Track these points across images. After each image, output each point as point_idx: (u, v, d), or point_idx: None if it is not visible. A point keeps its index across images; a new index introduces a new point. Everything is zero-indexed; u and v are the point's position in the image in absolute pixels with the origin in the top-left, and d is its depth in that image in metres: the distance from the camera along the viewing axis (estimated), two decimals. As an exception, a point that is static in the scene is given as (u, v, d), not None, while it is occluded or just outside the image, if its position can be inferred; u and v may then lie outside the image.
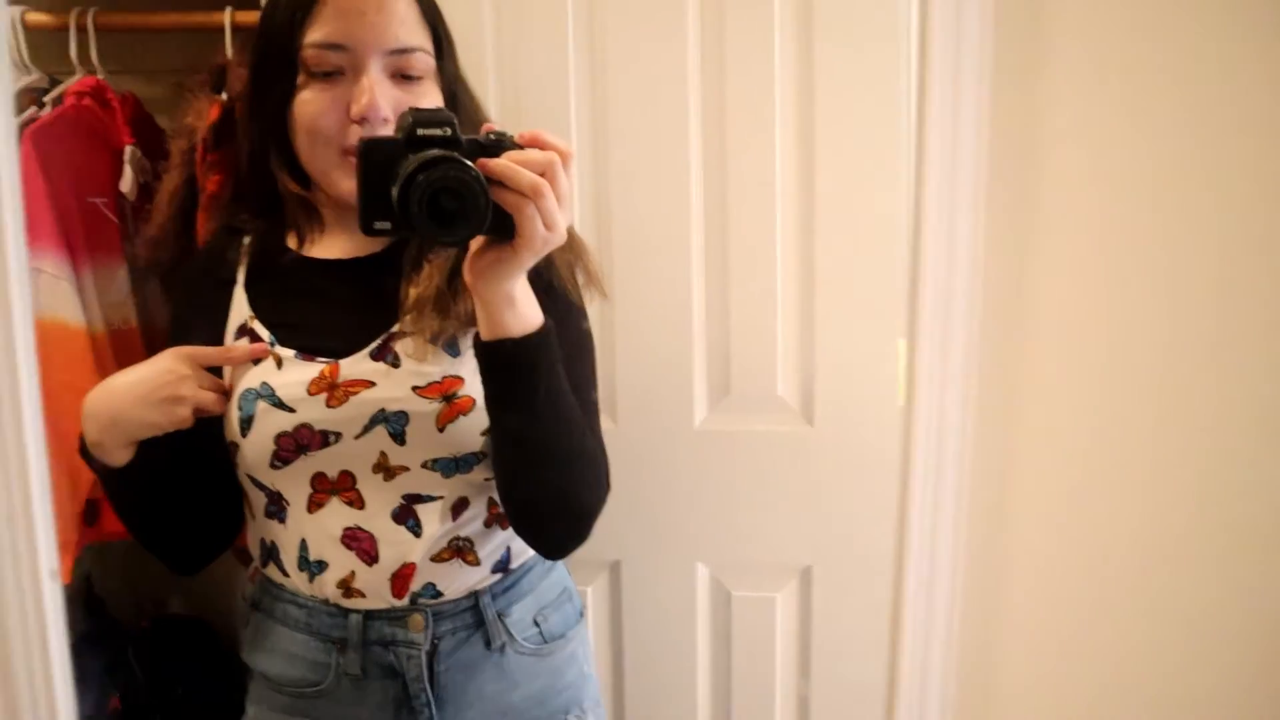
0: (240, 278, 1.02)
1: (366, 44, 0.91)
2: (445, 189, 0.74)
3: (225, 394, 0.98)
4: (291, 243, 1.03)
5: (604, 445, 0.99)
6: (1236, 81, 0.60)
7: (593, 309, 1.04)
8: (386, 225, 0.77)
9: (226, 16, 1.42)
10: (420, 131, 0.76)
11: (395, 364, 0.94)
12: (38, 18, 1.42)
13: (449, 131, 0.77)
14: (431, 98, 0.95)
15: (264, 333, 0.98)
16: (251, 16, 1.42)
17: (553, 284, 0.96)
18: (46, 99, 1.42)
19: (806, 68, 1.25)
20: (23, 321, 0.72)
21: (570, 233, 1.01)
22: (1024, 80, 0.59)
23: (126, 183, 1.44)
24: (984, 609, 0.67)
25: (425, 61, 0.94)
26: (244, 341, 0.99)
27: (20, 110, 1.42)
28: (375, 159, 0.76)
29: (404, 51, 0.92)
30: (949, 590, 0.63)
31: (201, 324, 1.02)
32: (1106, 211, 0.62)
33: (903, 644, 0.63)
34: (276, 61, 0.93)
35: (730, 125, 1.28)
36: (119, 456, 0.95)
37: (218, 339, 1.01)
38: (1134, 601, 0.67)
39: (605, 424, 1.33)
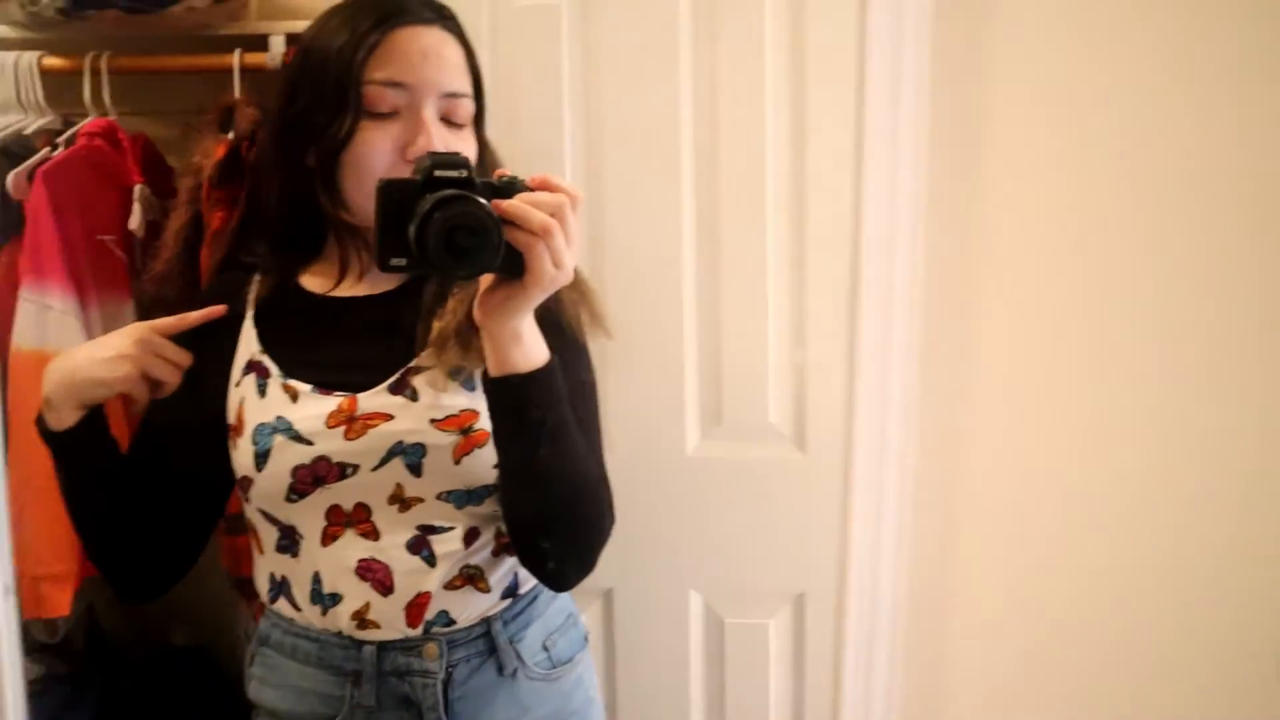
0: (250, 312, 1.04)
1: (426, 85, 0.95)
2: (461, 225, 0.78)
3: (199, 378, 0.99)
4: (308, 280, 1.05)
5: (609, 479, 1.01)
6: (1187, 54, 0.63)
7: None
8: (402, 262, 0.81)
9: (235, 59, 1.46)
10: (438, 173, 0.80)
11: (414, 397, 0.96)
12: (53, 61, 1.46)
13: (464, 173, 0.81)
14: (470, 145, 0.99)
15: (272, 367, 1.00)
16: (259, 58, 1.47)
17: (562, 325, 0.99)
18: (60, 140, 1.46)
19: (799, 104, 1.29)
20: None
21: (577, 275, 1.03)
22: (963, 85, 0.62)
23: (135, 220, 1.48)
24: (929, 628, 0.68)
25: (469, 108, 0.99)
26: (251, 378, 1.00)
27: (36, 151, 1.46)
28: (393, 198, 0.80)
29: (456, 96, 0.97)
30: (891, 608, 0.65)
31: (208, 357, 1.03)
32: (1049, 236, 0.64)
33: (845, 658, 0.64)
34: (331, 97, 0.95)
35: (723, 157, 1.31)
36: (67, 418, 0.96)
37: (224, 374, 1.03)
38: (1078, 616, 0.69)
39: (598, 451, 1.36)
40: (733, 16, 1.28)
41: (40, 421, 0.98)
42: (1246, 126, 0.65)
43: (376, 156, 0.94)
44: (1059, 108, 0.63)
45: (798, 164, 1.30)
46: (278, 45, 1.47)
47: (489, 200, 0.80)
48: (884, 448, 0.60)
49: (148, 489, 1.01)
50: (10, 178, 1.39)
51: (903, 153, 0.57)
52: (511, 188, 0.83)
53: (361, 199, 0.96)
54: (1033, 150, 0.63)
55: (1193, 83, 0.64)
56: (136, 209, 1.48)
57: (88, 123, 1.46)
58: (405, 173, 0.92)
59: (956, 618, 0.68)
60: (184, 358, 0.99)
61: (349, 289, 1.04)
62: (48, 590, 1.42)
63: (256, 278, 1.06)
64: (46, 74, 1.46)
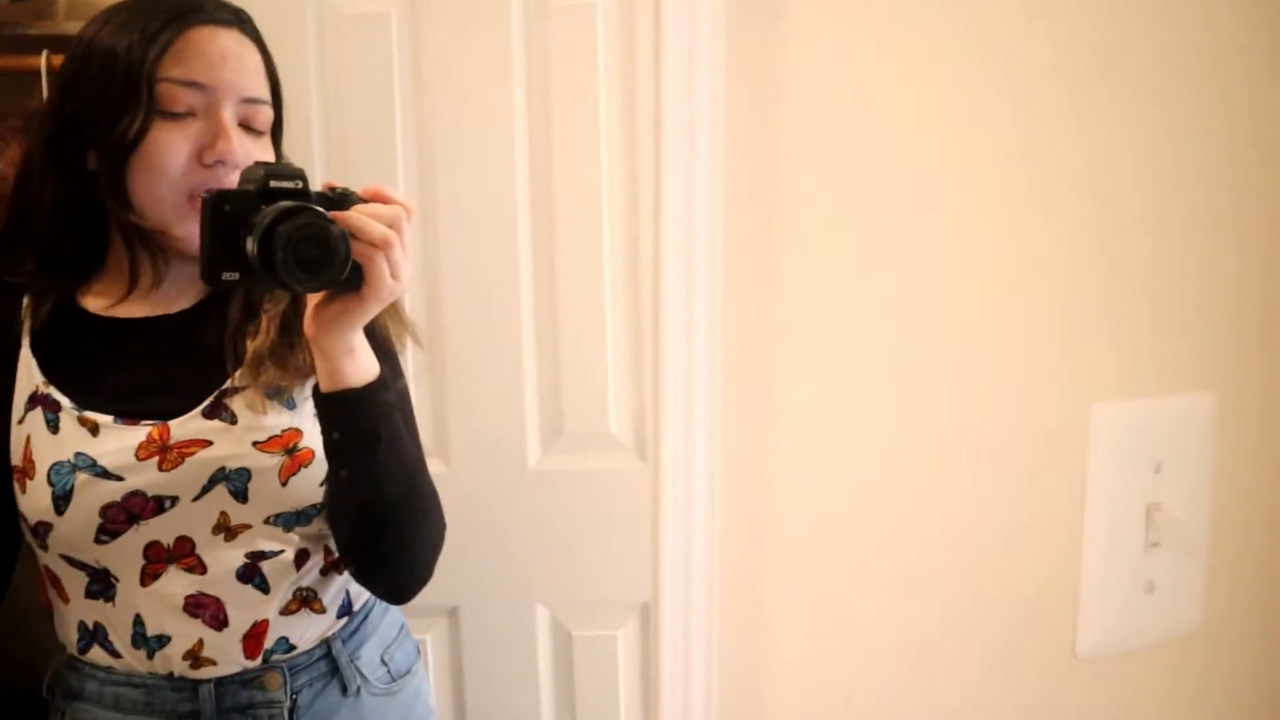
0: (25, 340, 0.96)
1: (226, 87, 0.91)
2: (308, 237, 0.76)
3: None
4: (90, 301, 0.97)
5: (435, 488, 0.99)
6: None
7: (423, 353, 1.05)
8: (235, 276, 0.78)
9: (43, 61, 1.38)
10: (274, 183, 0.79)
11: (232, 420, 0.92)
12: None
13: (300, 185, 0.80)
14: (269, 154, 0.96)
15: (62, 399, 0.93)
16: (68, 62, 1.39)
17: (375, 334, 0.96)
18: None
19: (633, 114, 1.29)
20: None
21: None
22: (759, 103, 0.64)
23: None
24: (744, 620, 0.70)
25: (269, 115, 0.96)
26: (37, 411, 0.92)
27: None
28: (223, 209, 0.78)
29: (255, 102, 0.94)
30: (705, 618, 0.66)
31: None
32: (850, 239, 0.67)
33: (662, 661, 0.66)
34: (119, 95, 0.89)
35: (557, 167, 1.31)
36: None
37: (3, 409, 0.94)
38: (889, 616, 0.72)
39: (438, 467, 1.33)
40: (565, 25, 1.28)
41: None
42: (1072, 123, 0.69)
43: (170, 158, 0.89)
44: (859, 106, 0.65)
45: (631, 174, 1.30)
46: (90, 47, 1.39)
47: (327, 212, 0.78)
48: (691, 455, 0.61)
49: None
50: None
51: (700, 161, 0.58)
52: (346, 199, 0.82)
53: (152, 202, 0.91)
54: (833, 151, 0.65)
55: (1010, 72, 0.68)
56: (-70, 220, 1.37)
57: None
58: (202, 177, 0.90)
59: (770, 623, 0.70)
60: None
61: (137, 309, 0.97)
62: None
63: (26, 300, 0.97)
64: None
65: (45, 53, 1.38)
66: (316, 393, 0.87)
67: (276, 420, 0.93)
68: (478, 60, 1.29)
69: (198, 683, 0.94)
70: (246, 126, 0.93)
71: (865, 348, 0.68)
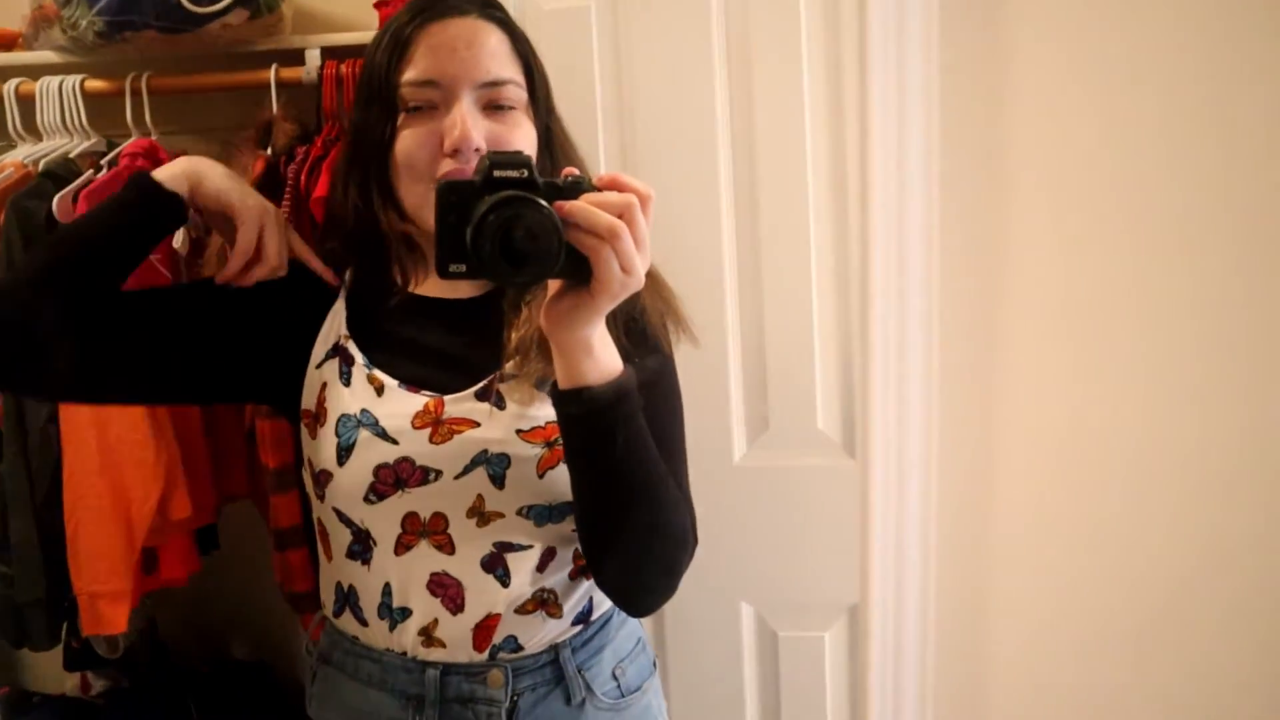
0: (342, 293, 1.03)
1: (457, 78, 0.92)
2: (518, 229, 0.73)
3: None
4: (397, 274, 1.02)
5: (690, 497, 0.96)
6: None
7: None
8: (461, 268, 0.76)
9: (271, 74, 1.46)
10: (497, 173, 0.76)
11: (500, 405, 0.94)
12: (95, 84, 1.48)
13: (525, 173, 0.76)
14: (524, 129, 0.95)
15: (357, 355, 0.98)
16: (295, 73, 1.47)
17: (647, 333, 0.95)
18: (104, 161, 1.48)
19: (838, 102, 1.24)
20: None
21: (659, 280, 1.01)
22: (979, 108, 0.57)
23: (178, 239, 1.48)
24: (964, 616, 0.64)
25: (517, 93, 0.95)
26: (335, 362, 0.98)
27: (81, 173, 1.48)
28: (451, 200, 0.76)
29: (494, 84, 0.93)
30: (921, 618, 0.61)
31: (291, 319, 1.01)
32: (1068, 238, 0.60)
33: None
34: (377, 104, 0.94)
35: (761, 156, 1.27)
36: (173, 184, 0.96)
37: (304, 349, 1.01)
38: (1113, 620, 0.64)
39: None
40: (765, 19, 1.24)
41: (144, 175, 0.97)
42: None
43: (415, 149, 0.92)
44: (1083, 97, 0.58)
45: (838, 166, 1.24)
46: (313, 59, 1.46)
47: (551, 201, 0.75)
48: (903, 453, 0.56)
49: (140, 302, 1.01)
50: (55, 201, 1.41)
51: (913, 160, 0.53)
52: (577, 188, 0.77)
53: (414, 200, 0.94)
54: (1053, 145, 0.59)
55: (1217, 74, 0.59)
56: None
57: (129, 144, 1.48)
58: (451, 168, 0.90)
59: (989, 626, 0.64)
60: (283, 266, 1.00)
61: (432, 290, 1.01)
62: (104, 607, 1.43)
63: (346, 272, 1.05)
64: (90, 97, 1.48)
65: (275, 66, 1.47)
66: (553, 389, 0.83)
67: (542, 411, 0.93)
68: (679, 48, 1.27)
69: (426, 665, 0.97)
70: (495, 106, 0.94)
71: (1092, 345, 0.61)
